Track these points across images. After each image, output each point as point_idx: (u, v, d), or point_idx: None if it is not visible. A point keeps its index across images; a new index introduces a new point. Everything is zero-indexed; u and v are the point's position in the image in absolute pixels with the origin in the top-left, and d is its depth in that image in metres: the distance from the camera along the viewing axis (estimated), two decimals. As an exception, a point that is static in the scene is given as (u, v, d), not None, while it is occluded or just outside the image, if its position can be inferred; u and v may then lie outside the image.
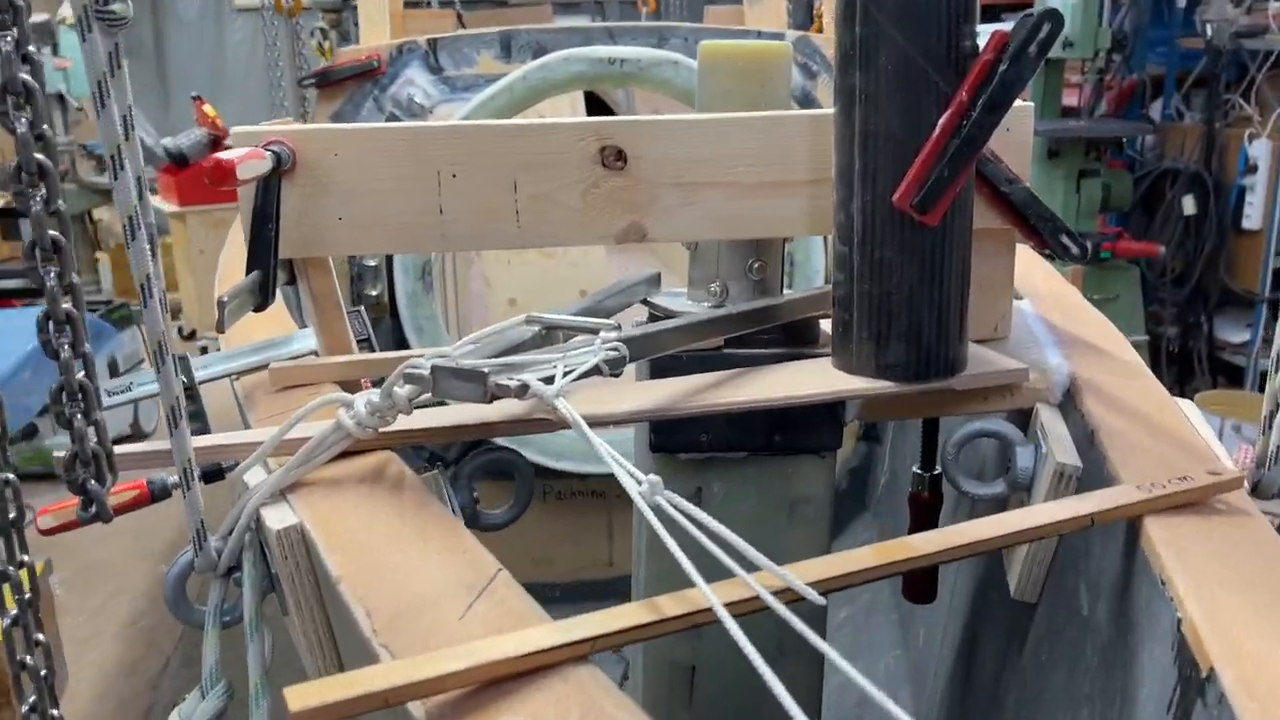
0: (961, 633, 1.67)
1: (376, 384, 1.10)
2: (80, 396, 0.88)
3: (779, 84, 1.42)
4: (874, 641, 2.36)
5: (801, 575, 0.82)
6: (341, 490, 1.05)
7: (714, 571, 0.82)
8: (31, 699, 0.98)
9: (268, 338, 1.52)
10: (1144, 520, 0.95)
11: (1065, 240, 1.38)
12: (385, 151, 1.31)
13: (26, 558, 1.03)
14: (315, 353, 1.47)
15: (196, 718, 1.04)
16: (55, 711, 1.04)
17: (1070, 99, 5.32)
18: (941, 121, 1.18)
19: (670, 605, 0.79)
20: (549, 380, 1.00)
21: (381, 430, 1.09)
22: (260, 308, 1.29)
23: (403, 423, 1.12)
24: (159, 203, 6.16)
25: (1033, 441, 1.28)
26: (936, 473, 1.57)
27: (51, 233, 0.86)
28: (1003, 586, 1.34)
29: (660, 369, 1.38)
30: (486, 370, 0.99)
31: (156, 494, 1.30)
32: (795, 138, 1.36)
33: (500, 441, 2.35)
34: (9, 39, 0.82)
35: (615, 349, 1.09)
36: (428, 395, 1.05)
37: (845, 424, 1.50)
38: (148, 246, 0.97)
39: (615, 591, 2.82)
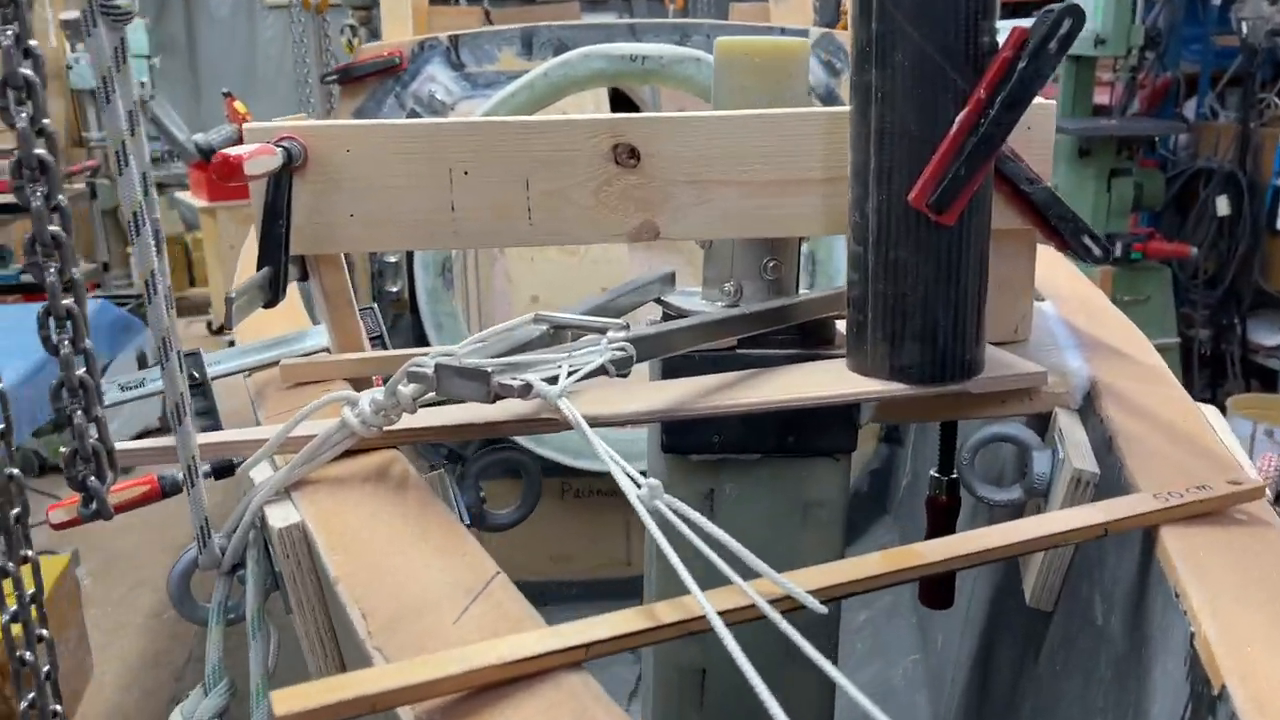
0: (979, 639, 1.64)
1: (387, 381, 1.10)
2: (81, 393, 0.88)
3: (796, 80, 1.40)
4: (892, 646, 2.33)
5: (806, 582, 0.80)
6: (345, 489, 1.04)
7: (719, 577, 0.81)
8: (31, 695, 0.98)
9: (282, 334, 1.52)
10: (1160, 530, 0.92)
11: (1087, 241, 1.35)
12: (397, 148, 1.31)
13: (30, 553, 1.03)
14: (328, 350, 1.46)
15: (199, 715, 1.04)
16: (56, 707, 1.04)
17: (1102, 97, 5.25)
18: (959, 119, 1.16)
19: (667, 612, 0.78)
20: (553, 380, 0.99)
21: (387, 429, 1.08)
22: (271, 304, 1.29)
23: (409, 421, 1.11)
24: (189, 198, 6.21)
25: (1050, 447, 1.25)
26: (954, 477, 1.55)
27: (52, 228, 0.86)
28: (1020, 593, 1.31)
29: (672, 369, 1.37)
30: (490, 370, 0.98)
31: (167, 489, 1.29)
32: (811, 135, 1.34)
33: (519, 440, 2.33)
34: (10, 33, 0.82)
35: (622, 349, 1.07)
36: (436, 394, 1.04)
37: (860, 426, 1.47)
38: (153, 242, 0.97)
39: (633, 590, 2.81)
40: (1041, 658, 1.26)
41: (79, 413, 0.89)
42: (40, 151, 0.85)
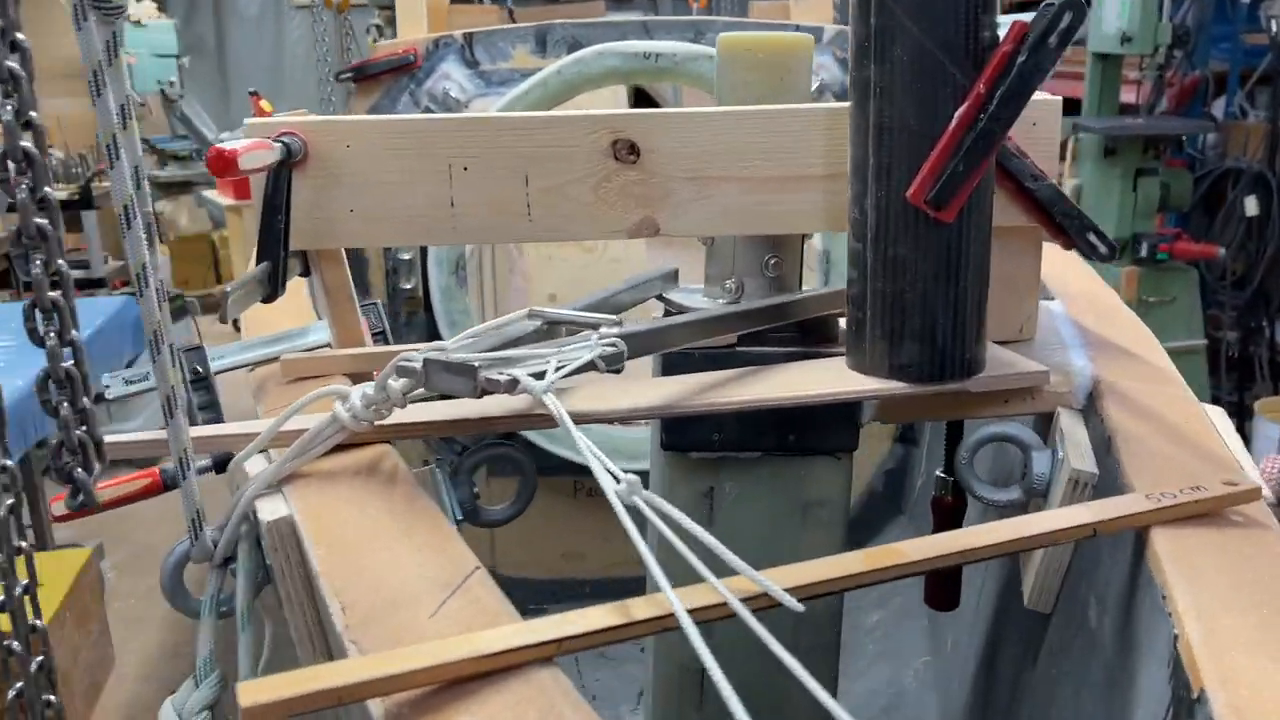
0: (984, 641, 1.63)
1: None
2: (68, 384, 0.88)
3: (798, 76, 1.39)
4: (904, 647, 2.32)
5: (785, 580, 0.79)
6: (335, 483, 1.05)
7: (713, 575, 0.80)
8: (19, 685, 0.99)
9: (286, 329, 1.52)
10: (1151, 531, 0.90)
11: (1092, 238, 1.33)
12: (397, 144, 1.31)
13: (25, 544, 1.03)
14: (330, 345, 1.47)
15: (189, 707, 1.04)
16: (50, 697, 1.05)
17: (1129, 95, 5.20)
18: (958, 115, 1.14)
19: (641, 609, 0.78)
20: (540, 375, 0.98)
21: (379, 423, 1.08)
22: (270, 299, 1.29)
23: (402, 416, 1.11)
24: (216, 196, 6.27)
25: (1051, 447, 1.23)
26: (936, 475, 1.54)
27: (38, 220, 0.86)
28: (1022, 595, 1.30)
29: (671, 366, 1.36)
30: (477, 364, 0.98)
31: (169, 483, 1.30)
32: (811, 131, 1.33)
33: (534, 438, 2.33)
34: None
35: (613, 345, 1.07)
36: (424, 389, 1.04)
37: (862, 426, 1.46)
38: (144, 235, 0.97)
39: (645, 589, 2.81)
40: (1040, 661, 1.25)
41: (65, 404, 0.90)
42: (26, 144, 0.86)
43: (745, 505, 1.42)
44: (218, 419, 1.42)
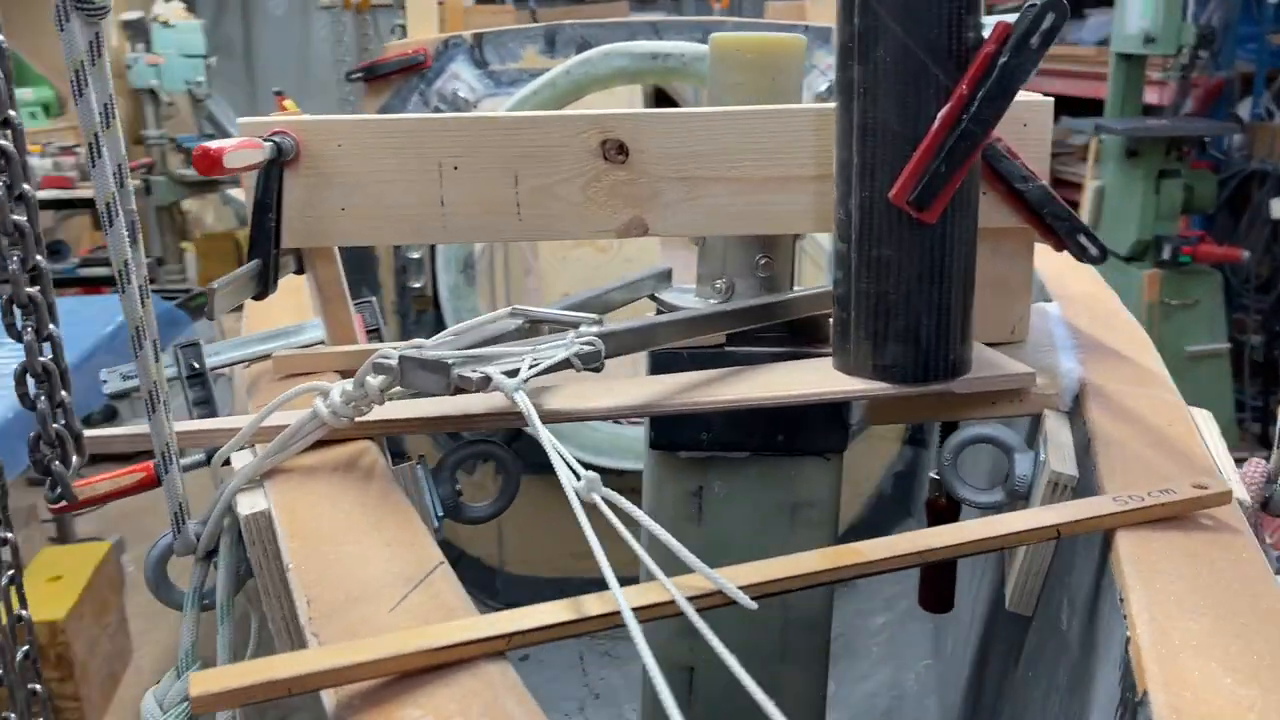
0: (977, 645, 1.62)
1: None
2: (45, 378, 0.90)
3: (789, 77, 1.39)
4: (907, 650, 2.31)
5: (739, 578, 0.79)
6: (315, 478, 1.06)
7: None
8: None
9: (283, 325, 1.54)
10: (1116, 534, 0.90)
11: (1082, 240, 1.33)
12: (387, 143, 1.32)
13: (10, 535, 1.05)
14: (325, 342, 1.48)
15: (170, 697, 1.06)
16: (35, 687, 1.06)
17: (1153, 96, 5.15)
18: (940, 115, 1.14)
19: (593, 605, 0.78)
20: (514, 373, 0.99)
21: (361, 420, 1.10)
22: (260, 296, 1.31)
23: (384, 412, 1.12)
24: (239, 194, 6.33)
25: (1035, 448, 1.23)
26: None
27: (16, 218, 0.88)
28: None
29: (660, 366, 1.37)
30: (451, 362, 0.99)
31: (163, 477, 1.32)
32: (801, 132, 1.33)
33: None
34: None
35: (590, 343, 1.07)
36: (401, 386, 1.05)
37: (852, 427, 1.46)
38: (126, 233, 0.99)
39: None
40: (1020, 664, 1.24)
41: (43, 399, 0.91)
42: (3, 143, 0.87)
43: (734, 505, 1.43)
44: (212, 414, 1.44)
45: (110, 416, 5.16)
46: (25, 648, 1.07)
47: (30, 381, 0.90)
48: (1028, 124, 1.34)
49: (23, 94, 5.71)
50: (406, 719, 0.68)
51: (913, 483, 2.88)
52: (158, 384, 1.03)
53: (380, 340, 1.54)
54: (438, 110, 2.69)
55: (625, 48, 2.36)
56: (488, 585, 2.88)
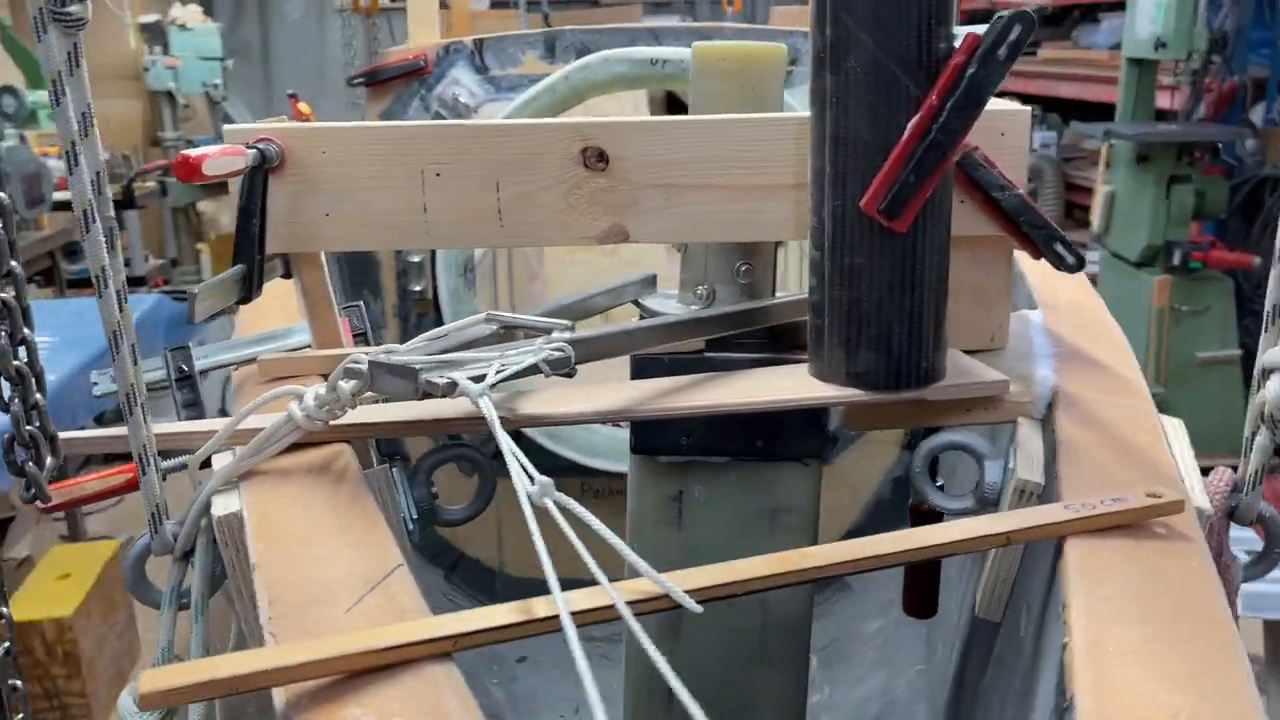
0: (960, 650, 1.63)
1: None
2: (19, 380, 0.92)
3: (770, 86, 1.41)
4: (900, 655, 2.31)
5: (687, 582, 0.81)
6: (288, 481, 1.08)
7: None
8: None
9: (272, 329, 1.56)
10: (1066, 541, 0.91)
11: (1059, 249, 1.33)
12: (372, 150, 1.34)
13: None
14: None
15: (146, 695, 1.08)
16: (16, 682, 1.09)
17: (1165, 101, 5.12)
18: (910, 125, 1.15)
19: (541, 608, 0.80)
20: (481, 379, 1.01)
21: (335, 423, 1.11)
22: (244, 301, 1.33)
23: (358, 416, 1.14)
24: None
25: (1005, 456, 1.24)
26: (939, 484, 1.54)
27: (-12, 225, 0.90)
28: None
29: (641, 371, 1.38)
30: (418, 367, 1.00)
31: (150, 478, 1.34)
32: (780, 141, 1.34)
33: (537, 438, 2.37)
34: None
35: (560, 349, 1.09)
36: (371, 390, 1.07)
37: (831, 432, 1.47)
38: (103, 239, 1.01)
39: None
40: (988, 670, 1.25)
41: (17, 400, 0.93)
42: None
43: (713, 509, 1.44)
44: (200, 417, 1.46)
45: (118, 418, 5.22)
46: (5, 644, 1.09)
47: (5, 385, 0.93)
48: (1005, 133, 1.35)
49: (37, 96, 5.78)
50: (350, 717, 0.70)
51: (909, 488, 2.88)
52: (135, 386, 1.05)
53: (368, 344, 1.56)
54: (438, 115, 2.71)
55: (625, 53, 2.37)
56: (487, 586, 2.90)
